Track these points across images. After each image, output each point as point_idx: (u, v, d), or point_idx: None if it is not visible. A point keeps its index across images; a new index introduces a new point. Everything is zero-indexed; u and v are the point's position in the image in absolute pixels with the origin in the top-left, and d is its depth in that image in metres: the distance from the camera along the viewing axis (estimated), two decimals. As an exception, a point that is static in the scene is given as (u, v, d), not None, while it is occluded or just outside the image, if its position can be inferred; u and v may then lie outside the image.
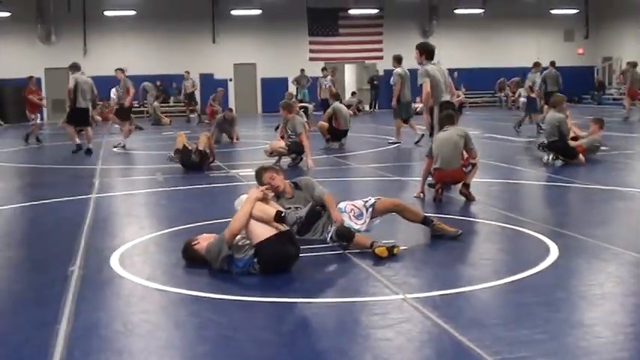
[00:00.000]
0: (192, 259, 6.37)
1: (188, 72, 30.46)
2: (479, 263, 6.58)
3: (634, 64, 25.17)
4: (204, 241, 6.30)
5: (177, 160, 13.24)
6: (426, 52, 10.89)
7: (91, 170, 13.77)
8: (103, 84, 25.30)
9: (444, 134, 9.53)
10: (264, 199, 6.21)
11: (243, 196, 6.78)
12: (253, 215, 6.05)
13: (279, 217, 6.06)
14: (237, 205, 7.21)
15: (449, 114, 10.04)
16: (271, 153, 13.98)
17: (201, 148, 13.19)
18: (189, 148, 13.28)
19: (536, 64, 21.79)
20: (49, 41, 33.53)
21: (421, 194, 9.59)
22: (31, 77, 21.93)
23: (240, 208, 6.19)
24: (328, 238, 6.89)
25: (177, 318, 5.10)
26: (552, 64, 22.63)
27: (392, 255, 6.41)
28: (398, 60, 18.16)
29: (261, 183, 7.15)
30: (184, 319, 5.07)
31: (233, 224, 6.09)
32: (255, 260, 5.98)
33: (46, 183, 12.84)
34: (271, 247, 5.96)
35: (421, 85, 10.73)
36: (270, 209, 6.12)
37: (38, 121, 21.13)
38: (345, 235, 6.74)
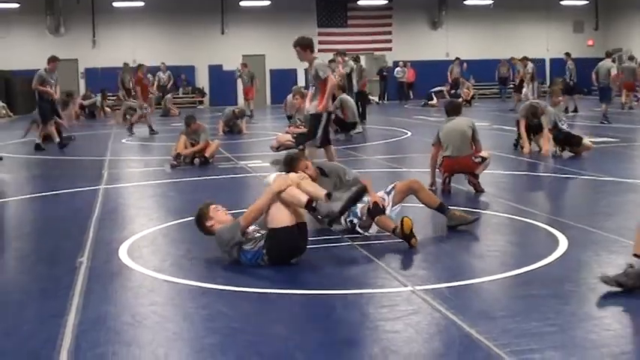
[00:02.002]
0: (202, 231, 6.37)
1: (164, 63, 30.30)
2: (487, 255, 6.56)
3: (629, 57, 25.64)
4: (218, 224, 6.25)
5: (178, 165, 12.60)
6: (310, 47, 10.36)
7: (99, 162, 13.79)
8: (113, 76, 25.35)
9: (452, 122, 9.50)
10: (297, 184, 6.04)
11: (273, 175, 6.56)
12: (282, 198, 5.92)
13: (309, 207, 5.96)
14: (266, 183, 6.68)
15: (456, 104, 10.03)
16: (278, 148, 13.95)
17: (207, 155, 12.98)
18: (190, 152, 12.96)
19: (609, 53, 21.99)
20: (58, 33, 33.57)
21: (433, 187, 9.49)
22: (141, 65, 21.88)
23: (263, 197, 6.04)
24: (355, 220, 6.85)
25: (185, 310, 5.10)
26: (569, 55, 22.83)
27: (410, 239, 6.41)
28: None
29: (292, 171, 6.95)
30: (193, 310, 5.07)
31: (250, 213, 6.01)
32: (264, 252, 5.96)
33: (54, 174, 12.86)
34: (286, 236, 5.91)
35: (325, 78, 10.21)
36: (302, 196, 5.95)
37: (149, 110, 20.86)
38: (376, 210, 6.73)
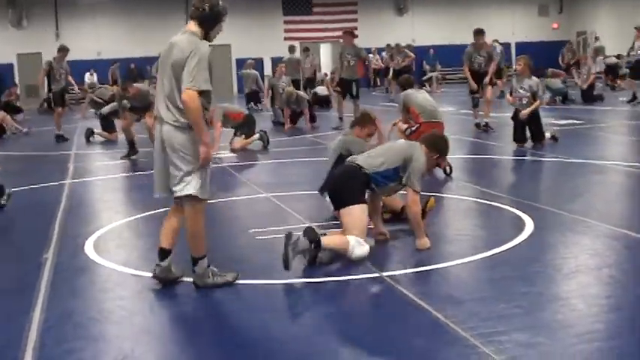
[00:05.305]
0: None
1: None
2: (454, 239, 6.58)
3: None
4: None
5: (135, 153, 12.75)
6: None
7: (65, 156, 13.64)
8: (76, 68, 25.03)
9: (421, 92, 9.93)
10: None
11: None
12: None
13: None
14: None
15: (410, 79, 10.55)
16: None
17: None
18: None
19: None
20: (21, 26, 33.13)
21: None
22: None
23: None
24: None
25: (153, 303, 5.07)
26: (497, 41, 23.84)
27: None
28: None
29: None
30: (160, 304, 5.04)
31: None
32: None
33: (19, 170, 12.69)
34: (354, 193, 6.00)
35: None
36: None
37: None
38: None
